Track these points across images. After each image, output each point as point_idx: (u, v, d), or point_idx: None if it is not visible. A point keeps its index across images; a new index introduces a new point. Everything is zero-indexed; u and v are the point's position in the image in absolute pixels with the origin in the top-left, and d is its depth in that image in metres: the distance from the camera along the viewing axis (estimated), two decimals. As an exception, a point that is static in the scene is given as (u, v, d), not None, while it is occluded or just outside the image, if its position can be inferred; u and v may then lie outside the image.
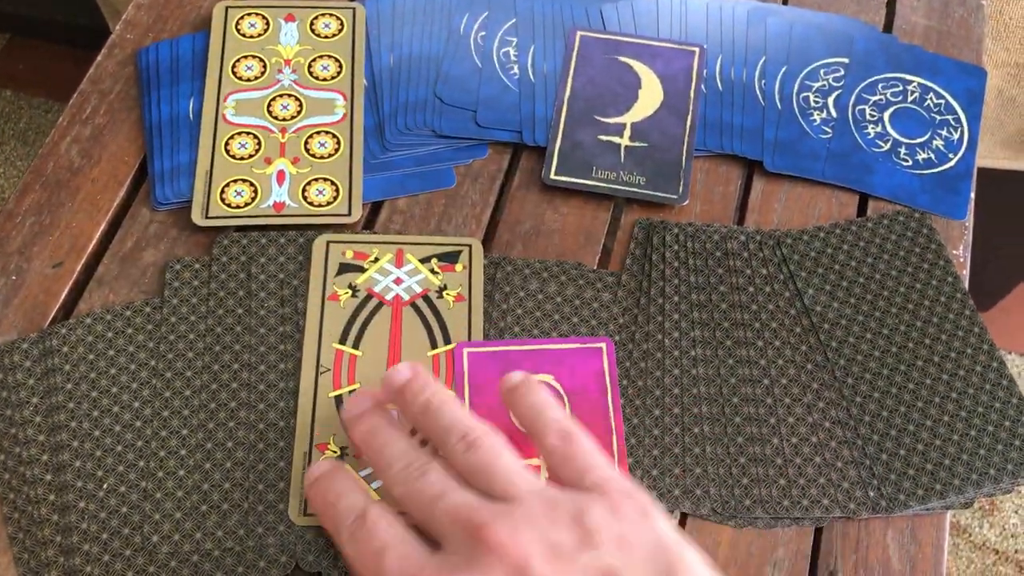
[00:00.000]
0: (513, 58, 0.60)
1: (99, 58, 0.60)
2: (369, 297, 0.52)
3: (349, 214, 0.54)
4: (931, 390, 0.51)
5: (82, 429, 0.48)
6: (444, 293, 0.52)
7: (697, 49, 0.61)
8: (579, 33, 0.61)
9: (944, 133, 0.59)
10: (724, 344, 0.52)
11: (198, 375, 0.50)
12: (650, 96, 0.59)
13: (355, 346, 0.51)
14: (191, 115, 0.57)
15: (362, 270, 0.53)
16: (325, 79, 0.59)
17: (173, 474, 0.47)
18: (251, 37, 0.60)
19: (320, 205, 0.54)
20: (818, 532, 0.48)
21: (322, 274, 0.53)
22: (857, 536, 0.48)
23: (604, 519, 0.36)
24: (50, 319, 0.52)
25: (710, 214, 0.56)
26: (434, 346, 0.51)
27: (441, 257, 0.53)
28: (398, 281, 0.53)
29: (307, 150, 0.56)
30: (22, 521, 0.46)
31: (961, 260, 0.56)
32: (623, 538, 0.36)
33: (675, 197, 0.56)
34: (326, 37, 0.60)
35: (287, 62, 0.59)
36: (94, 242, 0.54)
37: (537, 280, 0.53)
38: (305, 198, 0.55)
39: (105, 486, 0.47)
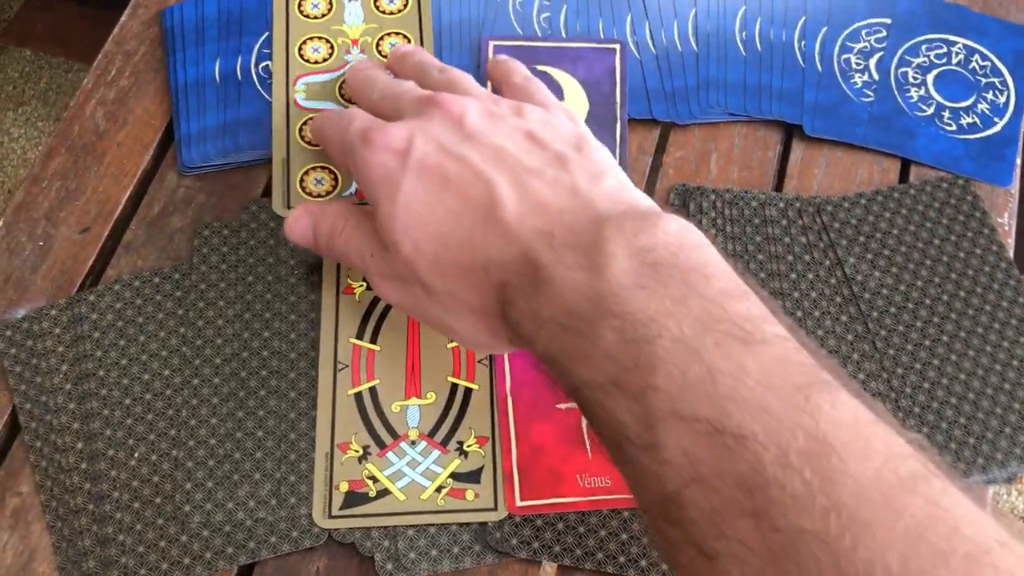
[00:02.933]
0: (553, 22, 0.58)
1: (123, 18, 0.59)
2: None
3: None
4: (974, 362, 0.50)
5: (112, 397, 0.48)
6: None
7: (617, 46, 0.58)
8: (490, 43, 0.57)
9: (990, 96, 0.57)
10: (762, 314, 0.51)
11: (228, 343, 0.49)
12: (575, 107, 0.56)
13: (373, 341, 0.49)
14: (217, 77, 0.56)
15: None
16: None
17: (204, 443, 0.47)
18: (315, 18, 0.57)
19: None
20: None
21: (335, 267, 0.51)
22: (897, 510, 0.47)
23: (537, 109, 0.44)
24: (77, 286, 0.51)
25: (748, 180, 0.55)
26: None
27: None
28: None
29: None
30: (55, 489, 0.46)
31: (1006, 228, 0.54)
32: (549, 121, 0.43)
33: None
34: (391, 14, 0.58)
35: (354, 42, 0.57)
36: (121, 207, 0.53)
37: (570, 247, 0.52)
38: None
39: (136, 455, 0.47)
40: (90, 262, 0.52)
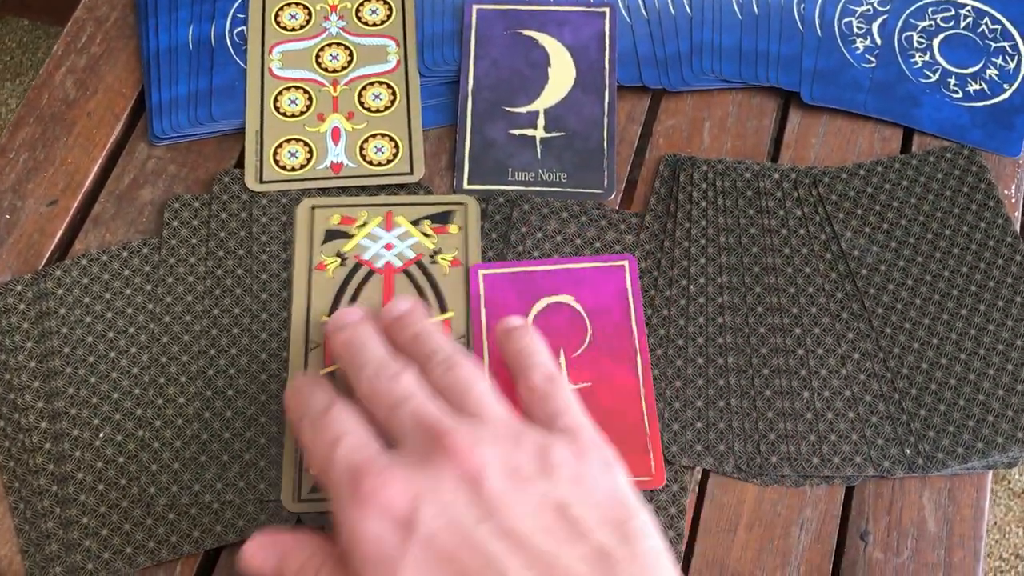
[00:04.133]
0: (533, -19, 0.56)
1: (95, -17, 0.57)
2: (359, 265, 0.49)
3: (411, 172, 0.51)
4: (975, 341, 0.47)
5: (78, 375, 0.46)
6: (438, 257, 0.49)
7: (607, 10, 0.55)
8: (474, 7, 0.55)
9: (999, 62, 0.55)
10: (753, 291, 0.48)
11: (197, 320, 0.47)
12: (562, 74, 0.53)
13: None
14: (191, 43, 0.54)
15: (349, 236, 0.49)
16: (375, 24, 0.54)
17: (171, 423, 0.45)
18: None
19: (379, 164, 0.51)
20: (849, 491, 0.45)
21: (308, 242, 0.49)
22: (891, 496, 0.45)
23: (567, 458, 0.35)
24: (45, 259, 0.50)
25: (742, 150, 0.53)
26: (429, 316, 0.48)
27: (434, 218, 0.50)
28: (388, 247, 0.49)
29: (361, 103, 0.52)
30: (17, 470, 0.45)
31: (1013, 201, 0.52)
32: (582, 479, 0.35)
33: (600, 192, 0.51)
34: None
35: (333, 8, 0.55)
36: (90, 179, 0.51)
37: (556, 220, 0.50)
38: (363, 156, 0.51)
39: (101, 435, 0.45)
40: (57, 236, 0.50)
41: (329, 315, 0.47)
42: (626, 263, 0.49)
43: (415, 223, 0.50)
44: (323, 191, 0.50)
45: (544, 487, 0.34)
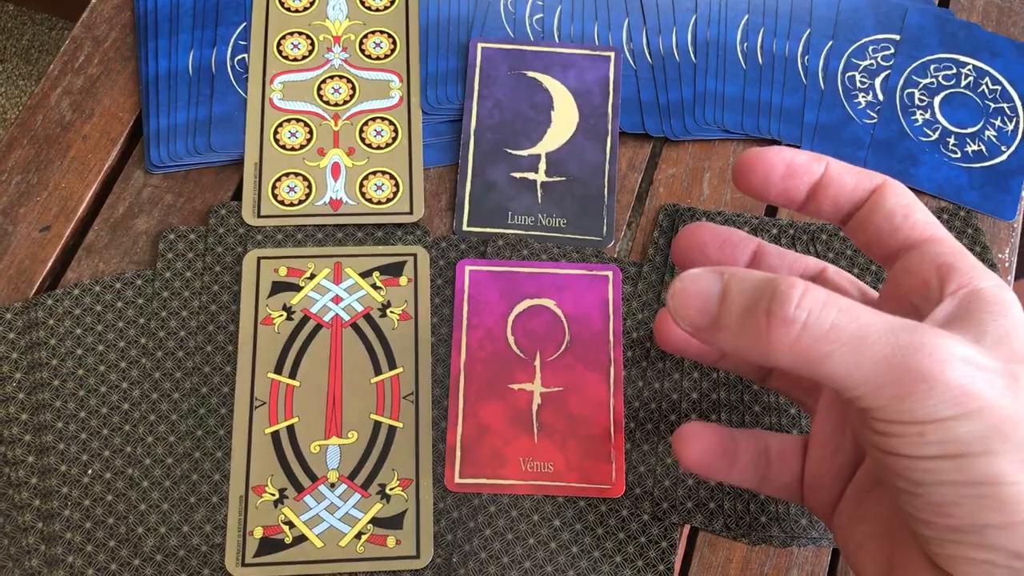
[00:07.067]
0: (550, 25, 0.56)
1: (94, 0, 0.56)
2: (306, 319, 0.48)
3: (411, 212, 0.50)
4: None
5: (67, 409, 0.46)
6: (388, 311, 0.48)
7: (612, 54, 0.54)
8: (479, 45, 0.54)
9: (998, 123, 0.55)
10: (748, 347, 0.49)
11: (190, 356, 0.47)
12: (565, 118, 0.53)
13: (292, 375, 0.47)
14: (191, 69, 0.53)
15: (297, 288, 0.48)
16: (378, 58, 0.54)
17: (161, 462, 0.45)
18: (296, 11, 0.54)
19: (379, 202, 0.50)
20: (836, 554, 0.46)
21: (253, 295, 0.48)
22: (876, 560, 0.46)
23: None
24: (36, 287, 0.49)
25: (741, 202, 0.53)
26: (378, 372, 0.47)
27: (384, 270, 0.49)
28: (337, 300, 0.48)
29: (362, 139, 0.52)
30: (2, 505, 0.44)
31: (1007, 265, 0.52)
32: None
33: (599, 239, 0.51)
34: (377, 10, 0.55)
35: (336, 39, 0.54)
36: (84, 205, 0.51)
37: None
38: (363, 194, 0.50)
39: (90, 472, 0.45)
40: (49, 263, 0.49)
41: (275, 371, 0.47)
42: (610, 273, 0.49)
43: (365, 275, 0.49)
44: (320, 227, 0.50)
45: None
